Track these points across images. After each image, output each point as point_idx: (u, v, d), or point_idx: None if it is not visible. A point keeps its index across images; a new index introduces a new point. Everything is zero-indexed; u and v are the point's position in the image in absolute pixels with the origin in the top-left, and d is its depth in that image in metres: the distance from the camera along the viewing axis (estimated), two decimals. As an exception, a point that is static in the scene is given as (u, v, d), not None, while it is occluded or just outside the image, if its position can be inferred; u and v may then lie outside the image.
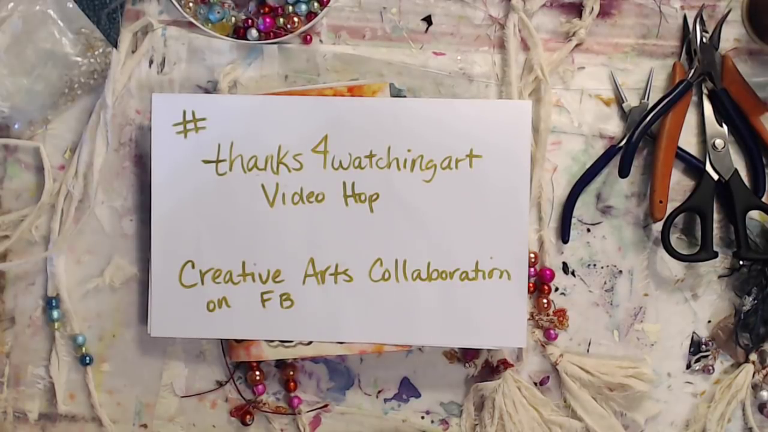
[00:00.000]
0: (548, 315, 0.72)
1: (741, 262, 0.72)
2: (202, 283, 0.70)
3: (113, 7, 0.71)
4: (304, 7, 0.71)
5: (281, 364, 0.73)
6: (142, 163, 0.73)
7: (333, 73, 0.72)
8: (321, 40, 0.72)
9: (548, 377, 0.73)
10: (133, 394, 0.74)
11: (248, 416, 0.73)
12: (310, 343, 0.70)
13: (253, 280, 0.69)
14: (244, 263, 0.69)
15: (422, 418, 0.74)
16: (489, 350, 0.72)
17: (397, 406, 0.74)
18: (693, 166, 0.72)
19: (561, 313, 0.73)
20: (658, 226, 0.71)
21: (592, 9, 0.71)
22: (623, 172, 0.69)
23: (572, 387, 0.72)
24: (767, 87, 0.71)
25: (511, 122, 0.68)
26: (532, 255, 0.72)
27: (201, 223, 0.70)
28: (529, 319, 0.72)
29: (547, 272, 0.72)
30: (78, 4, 0.70)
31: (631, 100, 0.72)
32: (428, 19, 0.72)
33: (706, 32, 0.71)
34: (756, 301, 0.71)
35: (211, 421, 0.74)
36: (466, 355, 0.73)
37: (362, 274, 0.69)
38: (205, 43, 0.72)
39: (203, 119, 0.69)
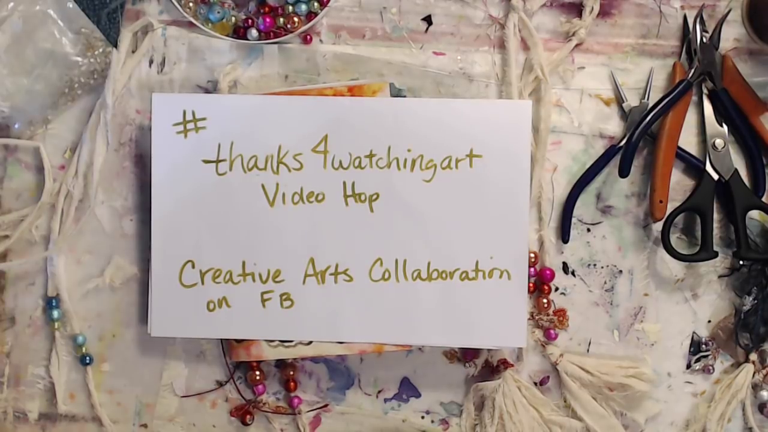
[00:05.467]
0: (548, 315, 0.72)
1: (741, 262, 0.72)
2: (202, 283, 0.70)
3: (113, 7, 0.71)
4: (304, 7, 0.71)
5: (281, 364, 0.73)
6: (142, 163, 0.73)
7: (333, 73, 0.72)
8: (321, 40, 0.72)
9: (548, 377, 0.73)
10: (133, 394, 0.74)
11: (248, 416, 0.73)
12: (310, 343, 0.70)
13: (253, 280, 0.69)
14: (244, 263, 0.69)
15: (422, 418, 0.74)
16: (489, 350, 0.72)
17: (397, 406, 0.74)
18: (693, 166, 0.72)
19: (561, 313, 0.72)
20: (658, 226, 0.71)
21: (592, 9, 0.71)
22: (623, 172, 0.69)
23: (572, 387, 0.72)
24: (767, 87, 0.71)
25: (511, 122, 0.68)
26: (532, 255, 0.72)
27: (201, 223, 0.69)
28: (529, 319, 0.72)
29: (547, 272, 0.72)
30: (78, 4, 0.70)
31: (631, 100, 0.72)
32: (428, 19, 0.72)
33: (706, 32, 0.71)
34: (756, 301, 0.71)
35: (211, 421, 0.74)
36: (466, 355, 0.73)
37: (362, 274, 0.69)
38: (205, 43, 0.72)
39: (203, 119, 0.69)
